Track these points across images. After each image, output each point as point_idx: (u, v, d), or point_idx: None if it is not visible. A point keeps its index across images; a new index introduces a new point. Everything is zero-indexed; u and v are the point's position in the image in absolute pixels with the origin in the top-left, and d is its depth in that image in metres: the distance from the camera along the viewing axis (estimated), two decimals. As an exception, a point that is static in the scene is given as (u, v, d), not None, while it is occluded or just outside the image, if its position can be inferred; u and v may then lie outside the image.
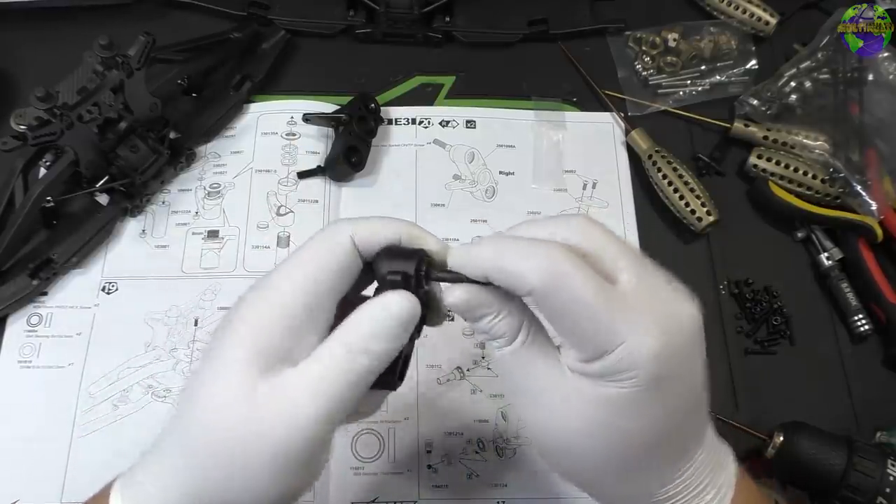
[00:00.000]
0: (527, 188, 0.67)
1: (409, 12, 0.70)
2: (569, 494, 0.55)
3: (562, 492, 0.55)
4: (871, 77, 0.69)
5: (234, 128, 0.67)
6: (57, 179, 0.57)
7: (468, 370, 0.59)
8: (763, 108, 0.70)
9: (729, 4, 0.73)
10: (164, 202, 0.63)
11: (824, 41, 0.71)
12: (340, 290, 0.34)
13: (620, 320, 0.30)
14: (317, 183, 0.64)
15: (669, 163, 0.65)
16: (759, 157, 0.67)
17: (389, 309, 0.32)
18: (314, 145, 0.66)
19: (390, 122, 0.68)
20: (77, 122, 0.55)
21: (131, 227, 0.62)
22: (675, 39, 0.73)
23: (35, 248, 0.58)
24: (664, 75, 0.73)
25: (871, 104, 0.68)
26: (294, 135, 0.66)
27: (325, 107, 0.67)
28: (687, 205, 0.63)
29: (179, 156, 0.63)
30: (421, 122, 0.69)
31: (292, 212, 0.63)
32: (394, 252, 0.34)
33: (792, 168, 0.66)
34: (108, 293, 0.59)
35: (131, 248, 0.61)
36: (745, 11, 0.73)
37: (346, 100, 0.66)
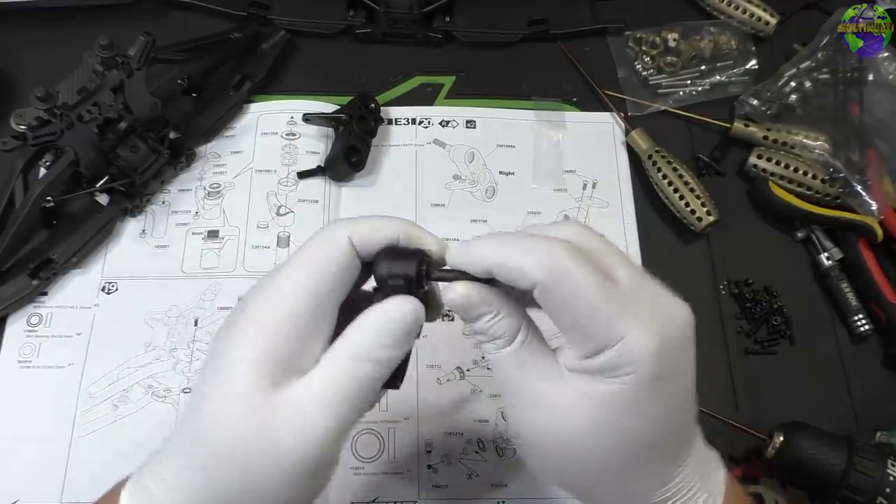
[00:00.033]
0: (527, 188, 0.67)
1: (409, 12, 0.70)
2: (569, 494, 0.55)
3: (562, 492, 0.55)
4: (871, 77, 0.69)
5: (234, 128, 0.67)
6: (57, 179, 0.57)
7: (468, 370, 0.59)
8: (763, 108, 0.70)
9: (729, 4, 0.73)
10: (164, 202, 0.63)
11: (824, 41, 0.71)
12: (341, 294, 0.34)
13: (621, 316, 0.30)
14: (317, 183, 0.64)
15: (669, 163, 0.65)
16: (759, 157, 0.67)
17: (394, 316, 0.32)
18: (314, 145, 0.66)
19: (390, 122, 0.68)
20: (77, 122, 0.55)
21: (131, 227, 0.62)
22: (675, 39, 0.73)
23: (35, 248, 0.58)
24: (664, 75, 0.73)
25: (871, 104, 0.68)
26: (294, 135, 0.66)
27: (325, 107, 0.67)
28: (687, 205, 0.63)
29: (179, 156, 0.63)
30: (421, 122, 0.69)
31: (292, 212, 0.63)
32: (393, 253, 0.34)
33: (792, 168, 0.66)
34: (108, 293, 0.59)
35: (131, 248, 0.61)
36: (745, 11, 0.73)
37: (346, 100, 0.66)
